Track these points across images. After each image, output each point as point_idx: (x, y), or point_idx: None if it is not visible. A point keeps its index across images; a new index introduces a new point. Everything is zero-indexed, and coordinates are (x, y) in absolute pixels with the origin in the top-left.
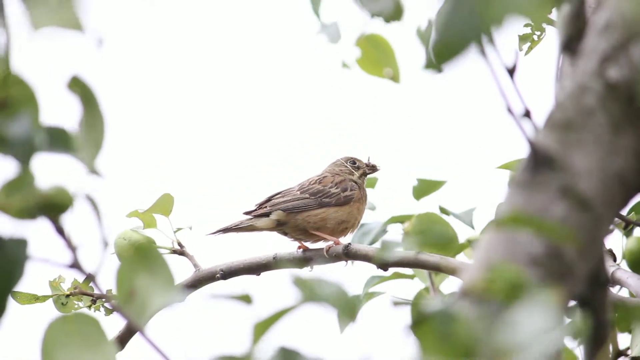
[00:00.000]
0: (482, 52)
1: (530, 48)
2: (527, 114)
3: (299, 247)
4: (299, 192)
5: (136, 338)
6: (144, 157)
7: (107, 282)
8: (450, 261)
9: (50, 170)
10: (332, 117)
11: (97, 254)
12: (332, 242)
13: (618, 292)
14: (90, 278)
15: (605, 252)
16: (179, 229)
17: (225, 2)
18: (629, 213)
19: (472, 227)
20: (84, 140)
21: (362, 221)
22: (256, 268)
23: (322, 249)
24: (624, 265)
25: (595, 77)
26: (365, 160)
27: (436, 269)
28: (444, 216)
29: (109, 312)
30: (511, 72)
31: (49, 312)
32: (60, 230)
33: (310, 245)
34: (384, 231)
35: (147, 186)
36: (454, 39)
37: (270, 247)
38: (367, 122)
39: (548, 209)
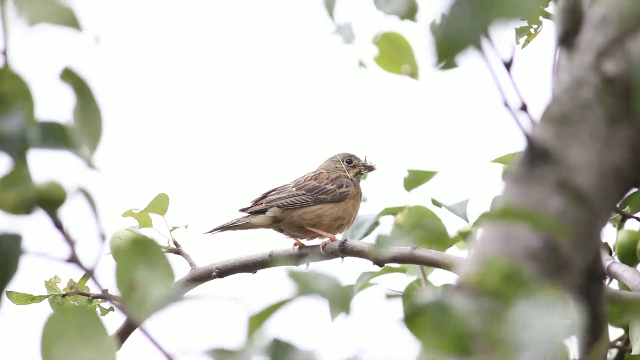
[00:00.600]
0: (480, 46)
1: (527, 41)
2: (524, 108)
3: (295, 244)
4: (294, 189)
5: (134, 335)
6: (139, 156)
7: (103, 280)
8: (446, 256)
9: (46, 165)
10: (328, 114)
11: (95, 248)
12: (328, 239)
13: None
14: (88, 274)
15: (601, 245)
16: (174, 228)
17: (238, 2)
18: (623, 206)
19: (466, 220)
20: (81, 133)
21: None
22: (252, 266)
23: (318, 245)
24: (617, 258)
25: (592, 71)
26: (362, 159)
27: (432, 264)
28: (436, 208)
29: (105, 311)
30: (508, 65)
31: (44, 312)
32: (58, 224)
33: (306, 242)
34: (376, 223)
35: (142, 185)
36: (456, 36)
37: (266, 245)
38: (359, 115)
39: (544, 203)
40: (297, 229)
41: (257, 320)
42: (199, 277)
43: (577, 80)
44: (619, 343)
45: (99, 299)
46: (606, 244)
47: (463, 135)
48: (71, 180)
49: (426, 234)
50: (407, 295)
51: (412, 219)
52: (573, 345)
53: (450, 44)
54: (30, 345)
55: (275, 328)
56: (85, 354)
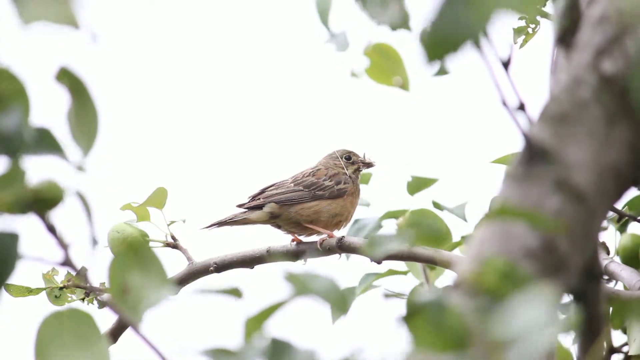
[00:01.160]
0: (477, 45)
1: (524, 41)
2: (522, 107)
3: (293, 240)
4: (292, 185)
5: (129, 331)
6: (138, 151)
7: (100, 275)
8: (444, 254)
9: (40, 166)
10: (329, 114)
11: (88, 251)
12: (326, 235)
13: (614, 285)
14: (82, 274)
15: (599, 245)
16: (172, 222)
17: (236, 7)
18: (622, 208)
19: (465, 220)
20: (76, 133)
21: (356, 217)
22: (250, 261)
23: (316, 242)
24: (617, 260)
25: (590, 70)
26: (361, 156)
27: (430, 262)
28: (437, 211)
29: (102, 305)
30: (506, 65)
31: (42, 304)
32: (51, 228)
33: (304, 238)
34: (379, 226)
35: (140, 179)
36: (449, 35)
37: (264, 241)
38: (362, 119)
39: (543, 202)
40: (294, 225)
41: (255, 322)
42: (197, 272)
43: (575, 79)
44: (625, 348)
45: (96, 292)
46: (604, 244)
47: (462, 137)
48: (66, 180)
49: (426, 232)
50: (410, 296)
51: (414, 221)
52: (572, 346)
53: (441, 44)
54: (27, 339)
55: (274, 328)
56: (79, 356)
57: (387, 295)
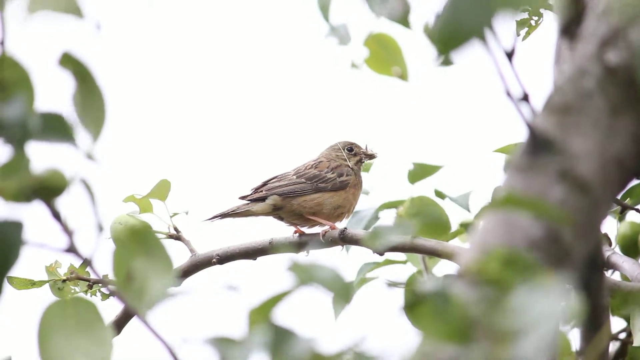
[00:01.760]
0: (484, 38)
1: (527, 33)
2: (526, 98)
3: (295, 232)
4: (294, 177)
5: (133, 322)
6: (141, 143)
7: (103, 266)
8: (446, 246)
9: (46, 153)
10: (330, 105)
11: (93, 238)
12: (328, 227)
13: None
14: (86, 263)
15: (601, 236)
16: (175, 214)
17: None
18: (623, 198)
19: (469, 210)
20: (84, 119)
21: (356, 208)
22: (252, 253)
23: (318, 233)
24: (618, 250)
25: (594, 61)
26: (363, 147)
27: (432, 253)
28: (438, 200)
29: (105, 296)
30: (510, 56)
31: (45, 297)
32: (56, 215)
33: (306, 230)
34: (376, 218)
35: (143, 171)
36: (460, 28)
37: (267, 232)
38: (363, 110)
39: (547, 192)
40: (297, 217)
41: (260, 312)
42: (199, 264)
43: (580, 70)
44: (622, 335)
45: (100, 284)
46: (606, 235)
47: (465, 128)
48: (70, 168)
49: (427, 222)
50: (409, 285)
51: (414, 209)
52: (574, 336)
53: (451, 37)
54: (30, 331)
55: (277, 317)
56: (82, 345)
57: (390, 285)
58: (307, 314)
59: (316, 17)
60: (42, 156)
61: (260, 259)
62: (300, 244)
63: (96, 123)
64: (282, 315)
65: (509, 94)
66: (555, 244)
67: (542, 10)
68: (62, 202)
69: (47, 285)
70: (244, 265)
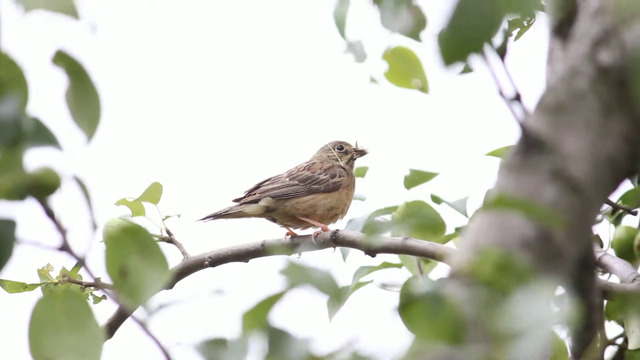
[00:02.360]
0: (490, 44)
1: (519, 34)
2: (518, 98)
3: (287, 234)
4: (287, 179)
5: (126, 325)
6: (133, 146)
7: (96, 269)
8: (438, 247)
9: (39, 152)
10: (327, 110)
11: (87, 237)
12: (320, 229)
13: (608, 277)
14: (80, 262)
15: (593, 236)
16: (167, 217)
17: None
18: (617, 201)
19: (466, 216)
20: (79, 116)
21: (350, 215)
22: (244, 255)
23: (310, 235)
24: (611, 252)
25: (587, 61)
26: (353, 145)
27: (425, 254)
28: (435, 205)
29: (97, 300)
30: (502, 56)
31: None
32: (49, 213)
33: (298, 231)
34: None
35: (135, 173)
36: (465, 39)
37: (259, 234)
38: (357, 112)
39: (539, 192)
40: (289, 219)
41: (254, 315)
42: (192, 266)
43: (572, 70)
44: (619, 340)
45: (92, 287)
46: (597, 236)
47: (458, 130)
48: (64, 167)
49: (421, 222)
50: (403, 287)
51: (409, 212)
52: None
53: (458, 48)
54: (21, 333)
55: (271, 319)
56: (72, 340)
57: (384, 285)
58: (301, 316)
59: (333, 33)
60: (35, 154)
61: (252, 261)
62: (292, 246)
63: (91, 122)
64: (276, 317)
65: (501, 94)
66: (547, 244)
67: (535, 11)
68: (55, 202)
69: (39, 289)
70: (236, 267)
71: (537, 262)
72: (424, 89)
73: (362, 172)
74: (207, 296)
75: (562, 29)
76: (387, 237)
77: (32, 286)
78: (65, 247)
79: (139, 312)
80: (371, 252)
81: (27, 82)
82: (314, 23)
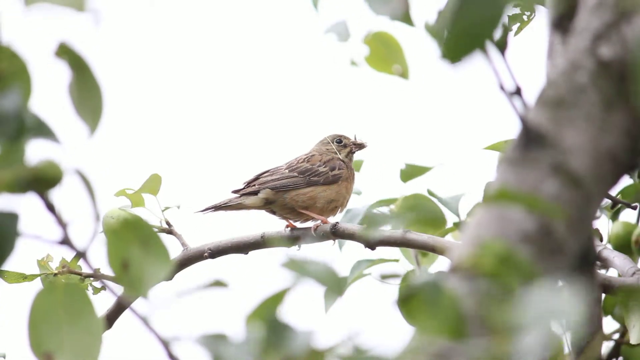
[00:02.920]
0: (492, 39)
1: (519, 28)
2: (519, 92)
3: (287, 226)
4: (287, 171)
5: (124, 316)
6: (131, 137)
7: (96, 260)
8: (438, 240)
9: (41, 145)
10: (325, 101)
11: (88, 229)
12: (320, 221)
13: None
14: (81, 255)
15: (593, 230)
16: (166, 208)
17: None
18: (616, 196)
19: (458, 215)
20: (81, 109)
21: (348, 207)
22: (244, 247)
23: (310, 227)
24: (609, 247)
25: (587, 55)
26: (351, 138)
27: (424, 248)
28: (431, 198)
29: (97, 290)
30: (502, 50)
31: (34, 290)
32: (50, 207)
33: (298, 224)
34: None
35: (134, 165)
36: (468, 36)
37: (259, 226)
38: (353, 107)
39: (539, 186)
40: (289, 211)
41: (259, 314)
42: (191, 258)
43: (573, 64)
44: (615, 335)
45: (91, 278)
46: (597, 231)
47: (459, 124)
48: (66, 161)
49: (421, 215)
50: (403, 280)
51: (408, 205)
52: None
53: (462, 45)
54: (21, 324)
55: (273, 312)
56: (72, 332)
57: (383, 277)
58: (298, 309)
59: (315, 14)
60: (37, 147)
61: (252, 253)
62: (292, 238)
63: (93, 115)
64: (277, 310)
65: (502, 88)
66: (547, 238)
67: (534, 5)
68: (57, 194)
69: (38, 279)
70: (235, 259)
71: (538, 256)
72: (404, 75)
73: (358, 165)
74: (206, 288)
75: (563, 23)
76: (387, 230)
77: (32, 277)
78: (66, 241)
79: (138, 304)
80: (371, 245)
81: (29, 75)
82: (301, 10)
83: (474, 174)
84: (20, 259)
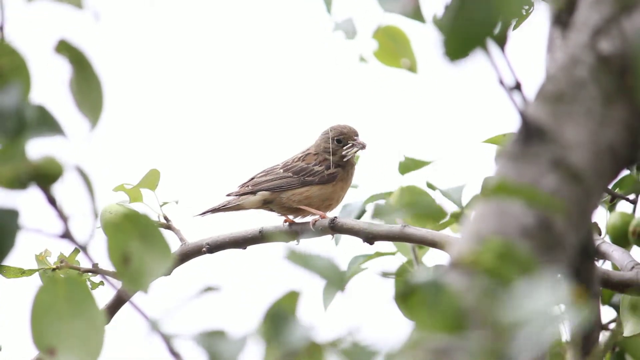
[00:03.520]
0: (492, 37)
1: (518, 23)
2: (518, 87)
3: (285, 221)
4: (282, 171)
5: (124, 310)
6: (129, 133)
7: (95, 255)
8: (437, 235)
9: (41, 140)
10: (326, 96)
11: (87, 224)
12: (318, 216)
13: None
14: (82, 249)
15: (593, 225)
16: (165, 203)
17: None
18: (613, 188)
19: (460, 206)
20: (82, 104)
21: (344, 202)
22: (242, 242)
23: (308, 222)
24: (606, 239)
25: (587, 50)
26: (354, 134)
27: (423, 242)
28: (430, 191)
29: (95, 285)
30: (502, 44)
31: (35, 286)
32: (51, 200)
33: (297, 219)
34: (364, 211)
35: (132, 161)
36: (469, 34)
37: (257, 221)
38: (361, 102)
39: (539, 181)
40: (287, 209)
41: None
42: (189, 253)
43: (572, 58)
44: (611, 325)
45: (89, 273)
46: (596, 224)
47: (459, 117)
48: (66, 156)
49: (418, 210)
50: (399, 275)
51: (404, 199)
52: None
53: (465, 41)
54: (21, 318)
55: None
56: (74, 327)
57: (384, 275)
58: (302, 304)
59: (322, 12)
60: (38, 143)
61: (250, 248)
62: (290, 233)
63: (94, 110)
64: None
65: (501, 83)
66: (547, 232)
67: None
68: (58, 191)
69: (37, 274)
70: (233, 254)
71: (537, 250)
72: (412, 68)
73: (355, 159)
74: (199, 296)
75: (562, 18)
76: (385, 224)
77: (30, 272)
78: (67, 235)
79: (137, 298)
80: (369, 239)
81: (29, 71)
82: (305, 7)
83: (472, 168)
84: (18, 253)
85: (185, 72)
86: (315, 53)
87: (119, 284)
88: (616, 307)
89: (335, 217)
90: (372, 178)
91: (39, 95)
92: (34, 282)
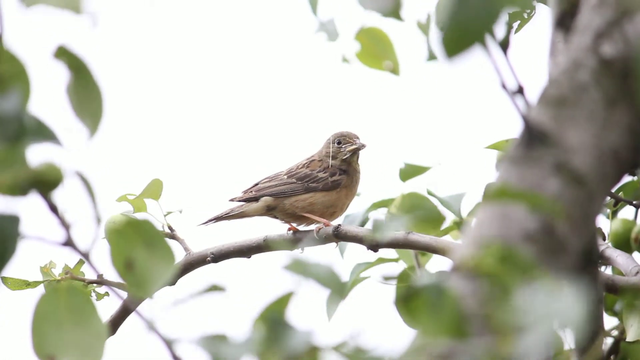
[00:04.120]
0: (486, 38)
1: (520, 26)
2: (521, 91)
3: (289, 229)
4: (286, 177)
5: (130, 321)
6: (133, 142)
7: (99, 265)
8: (441, 241)
9: (42, 147)
10: (321, 101)
11: (90, 232)
12: (322, 224)
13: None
14: (84, 257)
15: (596, 229)
16: (169, 213)
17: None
18: (617, 192)
19: (459, 215)
20: (81, 111)
21: (346, 212)
22: (247, 250)
23: (312, 230)
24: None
25: (590, 53)
26: (354, 138)
27: (427, 249)
28: (431, 198)
29: (100, 296)
30: (504, 48)
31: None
32: (53, 208)
33: (301, 227)
34: (367, 219)
35: (134, 169)
36: (464, 32)
37: (261, 230)
38: (351, 107)
39: (542, 185)
40: (290, 216)
41: (266, 315)
42: (194, 262)
43: (575, 62)
44: (614, 332)
45: (94, 284)
46: (600, 229)
47: (458, 122)
48: (66, 163)
49: (420, 217)
50: (401, 280)
51: (406, 206)
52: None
53: (459, 40)
54: (24, 330)
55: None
56: (75, 336)
57: (386, 280)
58: (300, 310)
59: (305, 13)
60: (38, 150)
61: (254, 256)
62: (294, 241)
63: (93, 117)
64: (283, 313)
65: (504, 87)
66: (550, 237)
67: (535, 3)
68: (58, 196)
69: (41, 286)
70: (238, 263)
71: (540, 255)
72: (395, 71)
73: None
74: (204, 294)
75: (565, 21)
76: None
77: (35, 283)
78: (69, 242)
79: (143, 307)
80: (373, 246)
81: (28, 77)
82: (291, 7)
83: (475, 174)
84: (23, 265)
85: (184, 75)
86: (305, 55)
87: (124, 294)
88: (619, 313)
89: (339, 224)
90: (373, 185)
91: (38, 101)
92: (39, 293)
